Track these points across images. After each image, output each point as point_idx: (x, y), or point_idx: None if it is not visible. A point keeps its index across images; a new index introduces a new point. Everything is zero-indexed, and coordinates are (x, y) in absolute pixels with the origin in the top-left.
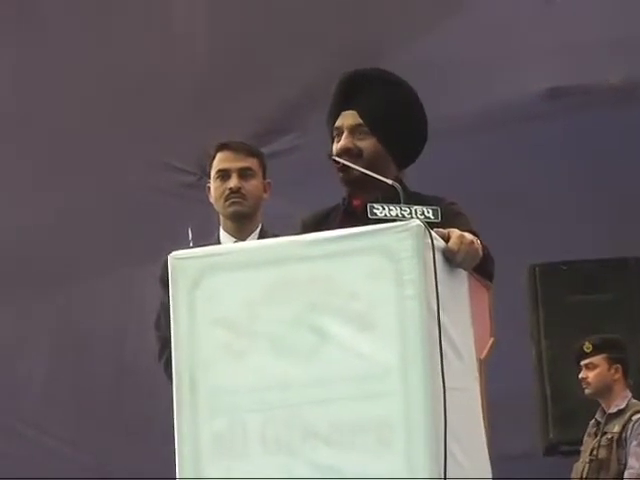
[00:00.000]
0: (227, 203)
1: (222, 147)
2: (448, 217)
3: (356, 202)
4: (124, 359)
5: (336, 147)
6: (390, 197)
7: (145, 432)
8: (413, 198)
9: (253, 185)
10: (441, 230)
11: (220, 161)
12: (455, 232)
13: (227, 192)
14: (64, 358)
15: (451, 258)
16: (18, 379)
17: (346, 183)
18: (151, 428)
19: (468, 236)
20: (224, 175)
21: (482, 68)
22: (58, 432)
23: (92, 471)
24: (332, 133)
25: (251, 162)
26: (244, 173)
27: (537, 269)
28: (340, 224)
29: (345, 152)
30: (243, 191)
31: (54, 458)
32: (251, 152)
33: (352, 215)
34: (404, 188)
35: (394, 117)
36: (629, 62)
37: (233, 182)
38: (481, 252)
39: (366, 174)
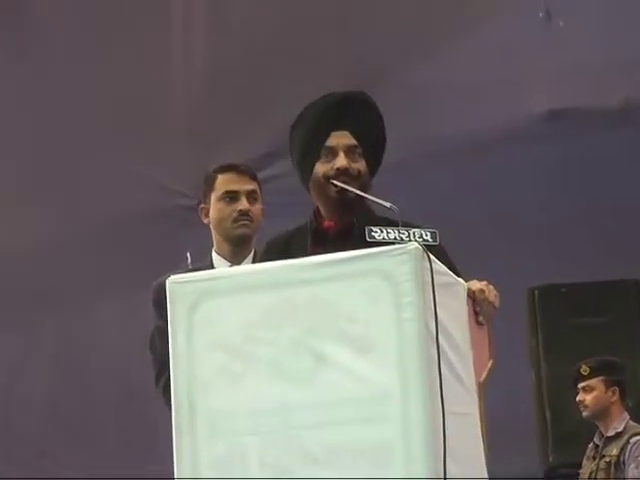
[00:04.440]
0: (236, 225)
1: (228, 169)
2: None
3: (327, 224)
4: (126, 383)
5: (328, 167)
6: (365, 220)
7: (147, 456)
8: (381, 223)
9: (258, 209)
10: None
11: (227, 182)
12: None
13: (235, 214)
14: (65, 382)
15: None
16: (18, 403)
17: (340, 204)
18: (153, 452)
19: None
20: (232, 197)
21: (483, 90)
22: (58, 456)
23: None
24: (314, 153)
25: (255, 185)
26: (251, 196)
27: (536, 292)
28: (312, 246)
29: (344, 172)
30: (251, 214)
31: None
32: (254, 176)
33: (323, 237)
34: (373, 211)
35: (380, 141)
36: (630, 85)
37: (243, 204)
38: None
39: (367, 198)
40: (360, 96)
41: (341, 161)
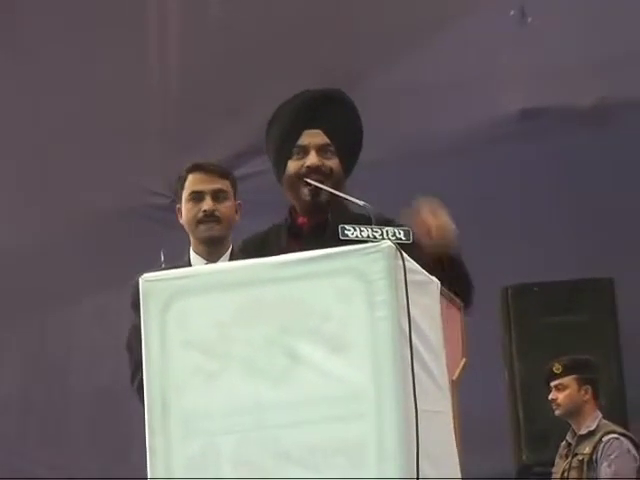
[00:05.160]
0: (202, 227)
1: (194, 168)
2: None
3: (301, 220)
4: (99, 384)
5: (299, 164)
6: (339, 216)
7: (122, 456)
8: (357, 220)
9: (227, 207)
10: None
11: (193, 182)
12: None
13: (201, 214)
14: (40, 381)
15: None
16: None
17: (313, 202)
18: (127, 453)
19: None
20: (197, 197)
21: (456, 90)
22: (34, 457)
23: None
24: (287, 151)
25: (224, 184)
26: (218, 195)
27: (509, 290)
28: (287, 243)
29: (316, 170)
30: (217, 213)
31: None
32: (223, 173)
33: (297, 234)
34: (348, 208)
35: (356, 139)
36: (603, 83)
37: (207, 204)
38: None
39: (340, 196)
40: (337, 94)
41: (312, 159)
